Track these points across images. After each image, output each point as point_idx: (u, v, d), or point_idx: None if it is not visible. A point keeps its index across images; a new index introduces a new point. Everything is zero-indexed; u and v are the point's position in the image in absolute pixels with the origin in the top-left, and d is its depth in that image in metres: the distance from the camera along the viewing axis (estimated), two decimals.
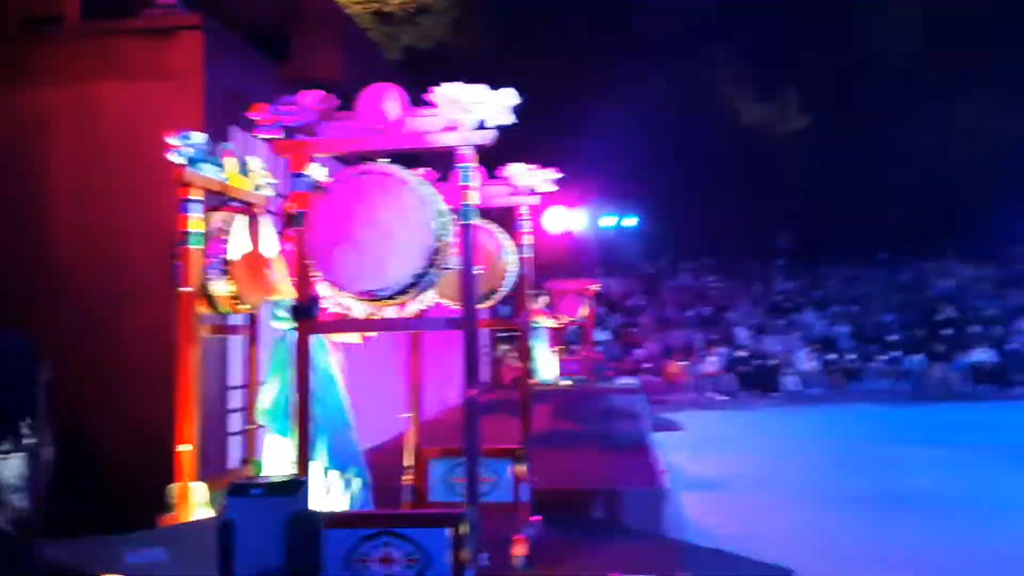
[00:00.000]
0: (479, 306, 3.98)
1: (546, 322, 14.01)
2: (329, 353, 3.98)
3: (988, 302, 19.26)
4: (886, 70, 20.16)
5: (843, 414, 14.72)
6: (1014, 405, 14.86)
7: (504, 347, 14.62)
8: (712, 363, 17.18)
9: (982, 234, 21.51)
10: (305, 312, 3.26)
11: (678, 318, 19.97)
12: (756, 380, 16.91)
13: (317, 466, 3.72)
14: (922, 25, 19.55)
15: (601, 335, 18.34)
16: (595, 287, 14.94)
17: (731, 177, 22.62)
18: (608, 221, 24.25)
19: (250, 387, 4.03)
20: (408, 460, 4.67)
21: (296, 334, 3.33)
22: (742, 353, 17.68)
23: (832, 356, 17.48)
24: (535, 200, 4.80)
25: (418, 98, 3.26)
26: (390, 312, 3.50)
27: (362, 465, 3.95)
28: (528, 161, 4.78)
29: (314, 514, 3.00)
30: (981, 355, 16.59)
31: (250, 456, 3.94)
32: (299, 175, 3.28)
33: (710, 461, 10.61)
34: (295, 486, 2.99)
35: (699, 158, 21.89)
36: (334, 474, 3.82)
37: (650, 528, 5.88)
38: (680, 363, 17.19)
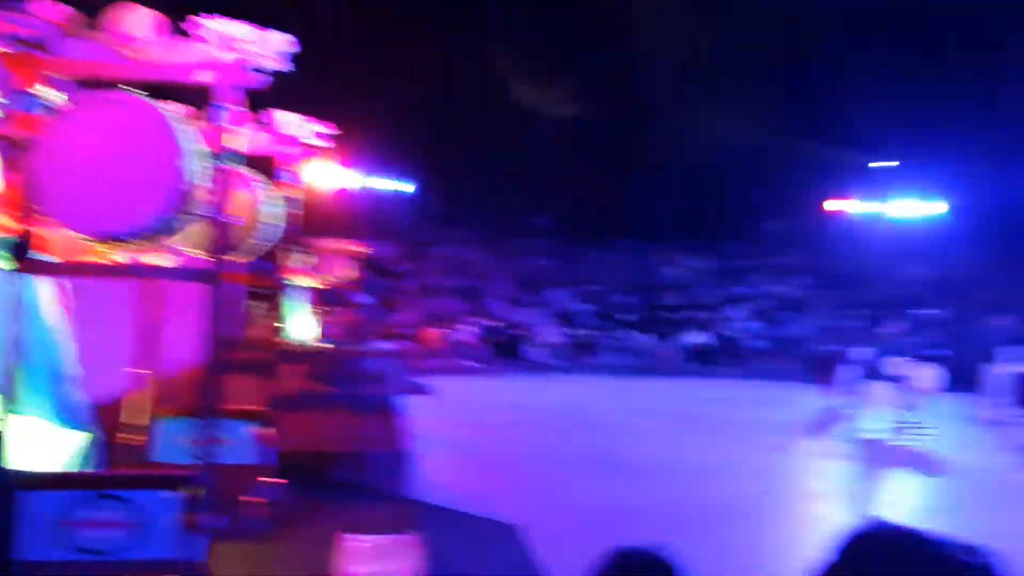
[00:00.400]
0: (231, 258, 3.79)
1: (308, 281, 13.61)
2: (52, 298, 3.58)
3: (707, 291, 21.82)
4: (649, 76, 21.86)
5: (580, 385, 15.96)
6: (720, 382, 17.02)
7: (259, 304, 14.00)
8: (467, 332, 17.79)
9: (707, 230, 24.23)
10: (24, 249, 2.90)
11: (440, 286, 20.39)
12: (506, 350, 17.80)
13: (32, 421, 3.35)
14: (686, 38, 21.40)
15: (364, 298, 18.21)
16: (363, 250, 14.76)
17: (503, 155, 23.39)
18: (384, 185, 24.03)
19: None
20: (138, 418, 4.37)
21: (15, 274, 2.96)
22: (495, 324, 18.49)
23: (574, 331, 18.86)
24: (303, 152, 4.64)
25: (179, 26, 2.99)
26: (128, 257, 3.24)
27: (86, 421, 3.62)
28: (305, 114, 4.60)
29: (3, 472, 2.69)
30: (697, 337, 18.79)
31: None
32: (27, 94, 2.89)
33: (457, 425, 11.04)
34: None
35: (476, 134, 22.37)
36: (54, 430, 3.46)
37: (392, 489, 6.01)
38: (438, 330, 17.61)
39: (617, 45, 21.73)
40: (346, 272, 13.59)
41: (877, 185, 24.14)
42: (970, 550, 0.85)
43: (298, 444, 5.58)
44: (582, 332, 18.93)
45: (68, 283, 3.57)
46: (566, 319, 19.42)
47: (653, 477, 8.55)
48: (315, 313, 13.46)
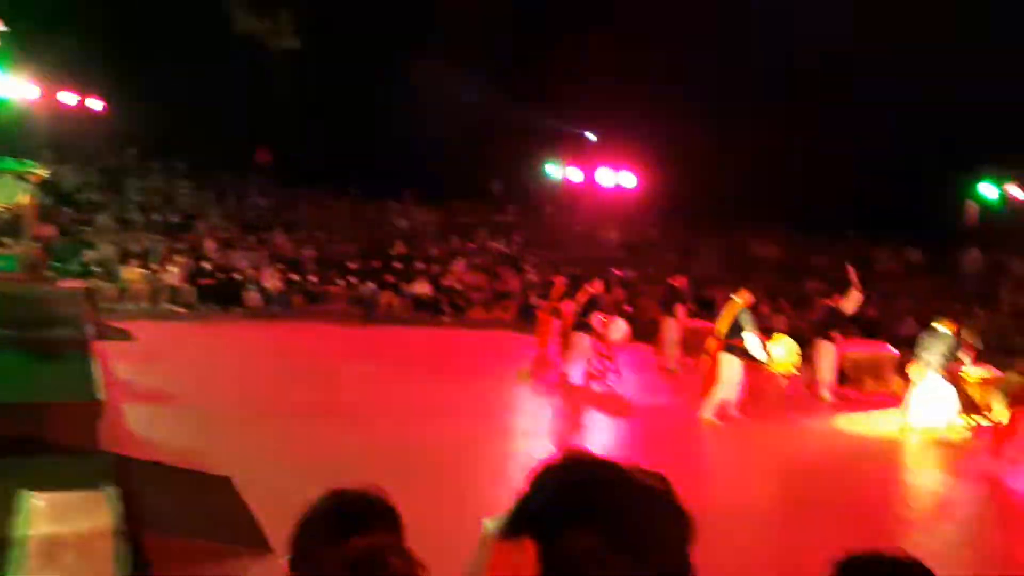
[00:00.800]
0: None
1: None
2: None
3: (433, 243, 22.23)
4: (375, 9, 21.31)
5: (301, 332, 15.49)
6: (443, 332, 17.52)
7: None
8: (173, 273, 16.33)
9: (432, 183, 24.63)
10: None
11: (141, 221, 18.42)
12: (219, 294, 16.66)
13: None
14: None
15: (45, 229, 15.89)
16: (41, 172, 12.81)
17: (220, 84, 21.60)
18: (67, 100, 20.98)
19: None
20: None
21: None
22: (206, 265, 17.20)
23: (296, 277, 18.18)
24: None
25: None
26: None
27: None
28: None
29: None
30: (422, 288, 19.11)
31: None
32: None
33: (161, 374, 10.16)
34: None
35: (186, 50, 20.34)
36: None
37: (84, 443, 5.37)
38: (139, 270, 15.94)
39: None
40: (18, 197, 11.73)
41: (587, 155, 26.20)
42: (655, 476, 0.93)
43: None
44: (305, 279, 18.31)
45: None
46: (288, 264, 18.63)
47: (371, 421, 8.60)
48: None
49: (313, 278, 18.35)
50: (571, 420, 10.19)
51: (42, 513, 3.63)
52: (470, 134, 23.42)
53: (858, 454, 9.46)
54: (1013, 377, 9.09)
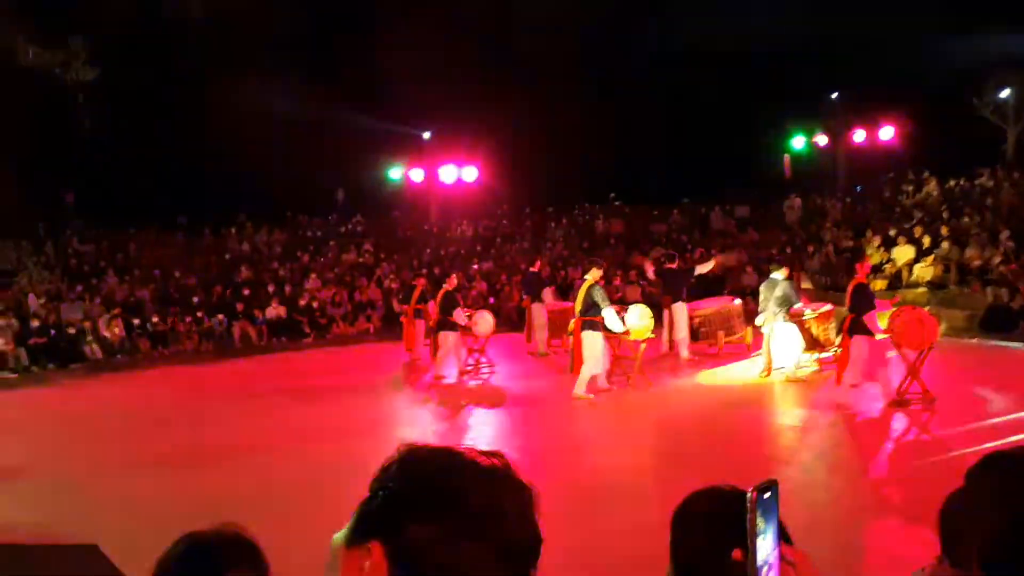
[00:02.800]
0: None
1: None
2: None
3: (279, 263, 21.45)
4: (181, 29, 20.26)
5: (150, 378, 14.53)
6: (306, 354, 16.93)
7: None
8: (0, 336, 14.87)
9: (272, 203, 23.80)
10: None
11: None
12: (53, 352, 15.33)
13: None
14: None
15: None
16: None
17: (11, 127, 19.80)
18: None
19: None
20: None
21: None
22: (34, 323, 15.78)
23: (136, 321, 17.00)
24: None
25: None
26: None
27: None
28: None
29: None
30: (275, 311, 18.39)
31: None
32: None
33: (1, 448, 9.23)
34: None
35: None
36: None
37: None
38: None
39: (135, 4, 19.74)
40: None
41: (428, 154, 26.16)
42: (493, 454, 0.96)
43: None
44: (147, 321, 17.13)
45: None
46: (124, 309, 17.39)
47: (240, 460, 8.21)
48: None
49: (155, 319, 17.24)
50: (451, 420, 10.18)
51: None
52: (304, 146, 22.78)
53: (724, 404, 10.06)
54: (843, 311, 9.93)
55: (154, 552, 1.64)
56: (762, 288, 11.35)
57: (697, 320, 13.19)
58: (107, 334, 16.21)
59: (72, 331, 15.85)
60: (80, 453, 8.88)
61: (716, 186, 24.12)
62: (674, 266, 13.50)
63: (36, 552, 5.15)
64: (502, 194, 26.17)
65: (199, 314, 17.73)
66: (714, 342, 13.23)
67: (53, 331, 15.78)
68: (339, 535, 0.93)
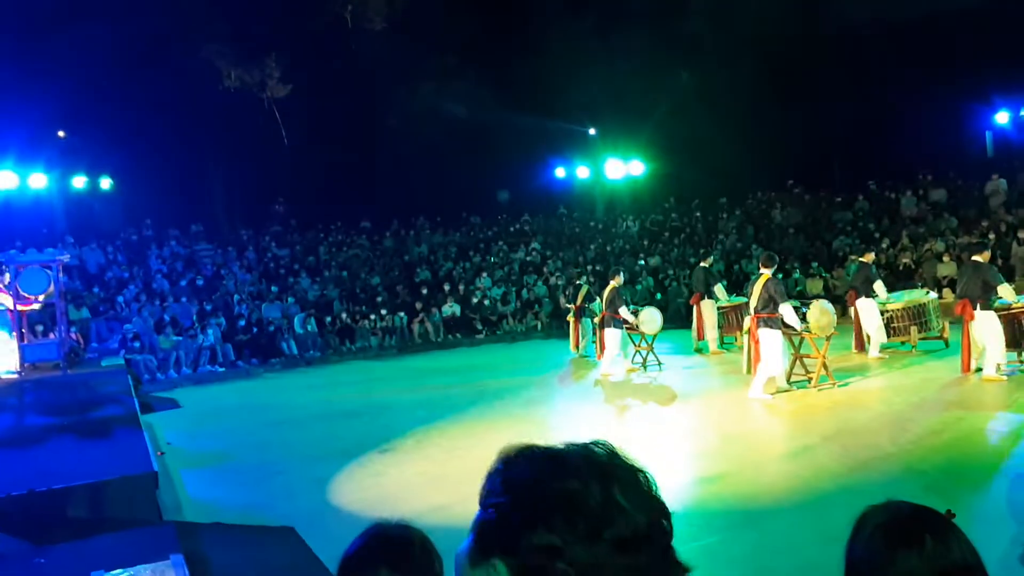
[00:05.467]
0: None
1: (4, 302, 11.87)
2: None
3: (453, 263, 22.28)
4: (362, 42, 21.43)
5: (340, 372, 15.59)
6: (476, 348, 17.55)
7: None
8: (209, 334, 16.53)
9: (446, 205, 24.77)
10: None
11: (168, 289, 18.70)
12: (255, 347, 16.84)
13: None
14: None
15: (78, 313, 16.20)
16: (64, 258, 13.11)
17: (216, 140, 21.91)
18: (78, 182, 21.41)
19: None
20: None
21: None
22: (239, 321, 17.41)
23: (327, 319, 18.30)
24: None
25: None
26: None
27: None
28: None
29: None
30: (450, 309, 19.15)
31: None
32: None
33: (212, 435, 10.27)
34: None
35: (182, 119, 20.66)
36: None
37: (143, 515, 5.44)
38: (175, 337, 16.16)
39: (321, 23, 21.11)
40: (47, 287, 12.00)
41: (594, 150, 26.12)
42: (595, 443, 0.93)
43: (16, 487, 4.83)
44: (336, 319, 18.43)
45: None
46: (315, 308, 18.79)
47: (410, 454, 8.59)
48: (20, 335, 11.81)
49: (343, 317, 18.47)
50: (617, 418, 10.11)
51: None
52: (474, 149, 23.43)
53: (916, 406, 9.27)
54: None
55: (343, 538, 1.73)
56: (961, 273, 10.34)
57: (887, 315, 12.27)
58: (301, 331, 17.56)
59: (271, 328, 17.32)
60: (279, 441, 9.66)
61: (907, 169, 22.27)
62: (863, 259, 12.65)
63: (241, 531, 5.68)
64: (670, 187, 25.63)
65: (382, 312, 18.79)
66: (907, 338, 12.25)
67: (255, 329, 17.31)
68: (462, 550, 0.93)
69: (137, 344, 15.61)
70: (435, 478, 7.27)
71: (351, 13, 21.31)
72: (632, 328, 12.62)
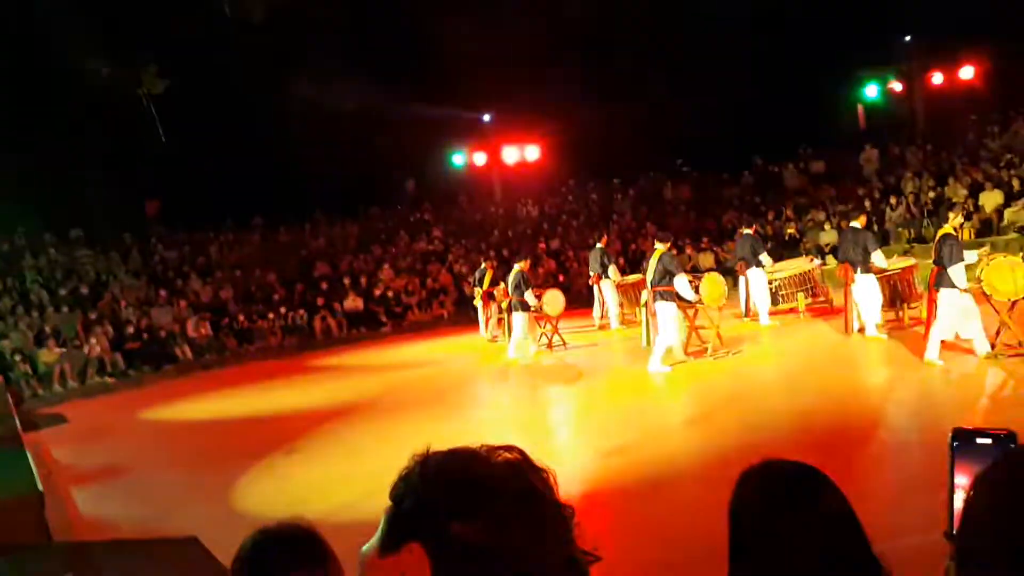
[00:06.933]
0: None
1: None
2: None
3: (354, 255, 21.88)
4: (245, 32, 20.67)
5: (239, 375, 15.07)
6: (384, 343, 17.28)
7: None
8: (95, 345, 15.67)
9: (343, 197, 24.24)
10: None
11: (48, 300, 17.58)
12: (147, 355, 16.07)
13: None
14: None
15: None
16: None
17: (94, 143, 20.71)
18: None
19: None
20: None
21: None
22: (128, 329, 16.57)
23: (222, 321, 17.65)
24: None
25: None
26: None
27: None
28: None
29: None
30: (352, 303, 18.81)
31: None
32: None
33: (103, 449, 9.77)
34: None
35: (50, 118, 19.44)
36: None
37: (34, 537, 5.12)
38: (58, 349, 15.23)
39: (199, 15, 20.24)
40: None
41: (489, 136, 26.14)
42: (508, 448, 0.98)
43: None
44: (232, 321, 17.78)
45: None
46: (212, 308, 18.09)
47: (325, 449, 8.45)
48: None
49: (239, 318, 17.86)
50: (528, 399, 10.23)
51: None
52: (368, 139, 23.06)
53: (807, 368, 9.77)
54: (928, 263, 9.48)
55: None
56: (841, 240, 10.93)
57: (776, 283, 12.85)
58: (195, 335, 16.89)
59: (163, 334, 16.57)
60: (174, 452, 9.29)
61: (788, 144, 23.33)
62: (750, 231, 13.18)
63: (140, 546, 5.43)
64: (566, 171, 25.98)
65: (281, 310, 18.27)
66: (795, 304, 12.87)
67: (145, 335, 16.53)
68: (367, 547, 0.95)
69: (17, 359, 14.65)
70: (342, 477, 7.16)
71: (230, 4, 20.53)
72: (537, 311, 12.76)
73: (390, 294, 19.39)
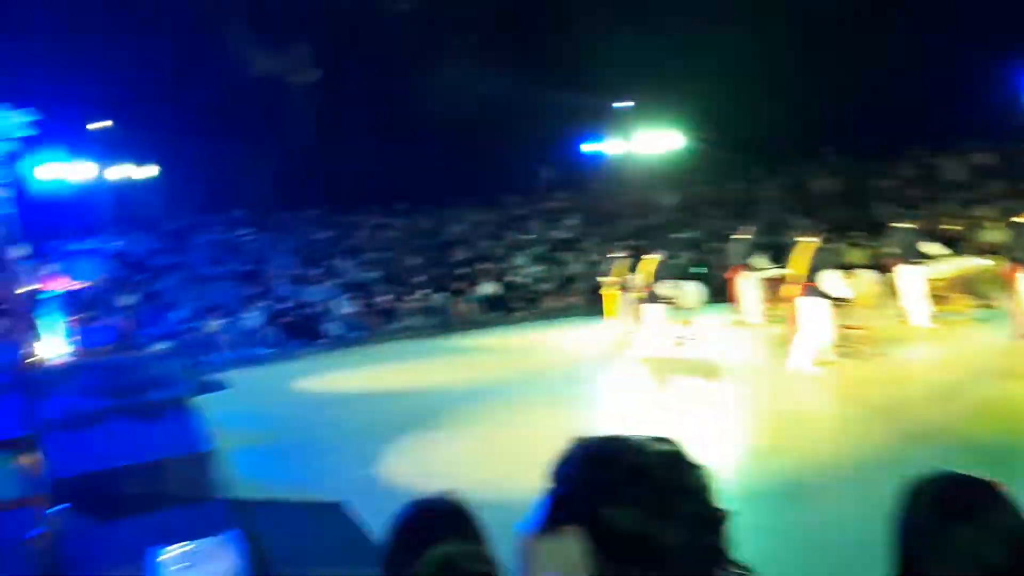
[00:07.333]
0: None
1: (56, 289, 12.19)
2: None
3: (491, 242, 22.34)
4: (388, 24, 21.46)
5: (382, 353, 15.76)
6: (514, 327, 17.58)
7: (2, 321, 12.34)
8: (254, 317, 16.87)
9: (481, 184, 24.74)
10: None
11: (213, 274, 19.08)
12: (299, 329, 17.13)
13: None
14: None
15: (127, 299, 16.62)
16: (112, 246, 13.42)
17: (254, 129, 22.18)
18: (121, 172, 21.87)
19: None
20: None
21: None
22: (283, 304, 17.70)
23: (368, 300, 18.53)
24: (9, 146, 4.04)
25: None
26: None
27: None
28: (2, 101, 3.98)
29: None
30: (488, 288, 19.24)
31: None
32: None
33: (259, 415, 10.50)
34: None
35: (221, 108, 20.96)
36: None
37: (200, 492, 5.60)
38: (220, 321, 16.52)
39: (348, 5, 21.14)
40: (97, 273, 12.32)
41: (629, 124, 25.84)
42: (661, 440, 1.00)
43: (80, 466, 5.01)
44: (376, 300, 18.65)
45: None
46: (357, 289, 19.03)
47: (469, 427, 8.68)
48: (73, 321, 12.15)
49: (384, 298, 18.67)
50: (659, 395, 10.09)
51: (174, 564, 3.81)
52: (507, 126, 23.34)
53: (972, 376, 9.09)
54: None
55: (391, 511, 1.77)
56: (1012, 238, 10.07)
57: (939, 283, 12.00)
58: (343, 313, 17.81)
59: (314, 311, 17.60)
60: (326, 421, 9.84)
61: (949, 132, 21.63)
62: (909, 225, 12.38)
63: (292, 507, 5.83)
64: (706, 159, 25.28)
65: (423, 292, 18.95)
66: (957, 307, 11.98)
67: (298, 311, 17.60)
68: (526, 525, 0.98)
69: (185, 328, 15.99)
70: (481, 454, 7.37)
71: None
72: (673, 303, 12.55)
73: (524, 281, 19.65)
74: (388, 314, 18.34)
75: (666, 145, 25.34)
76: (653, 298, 12.18)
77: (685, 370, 11.07)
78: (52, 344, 11.39)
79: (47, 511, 4.01)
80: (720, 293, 16.28)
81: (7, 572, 3.36)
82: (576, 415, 8.40)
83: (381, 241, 22.36)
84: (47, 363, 7.87)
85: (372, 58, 21.49)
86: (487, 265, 20.42)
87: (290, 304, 17.77)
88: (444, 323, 18.38)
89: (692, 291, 12.90)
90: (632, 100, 25.58)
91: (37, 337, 8.96)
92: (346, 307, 17.96)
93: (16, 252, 4.05)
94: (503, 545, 1.63)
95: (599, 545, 0.92)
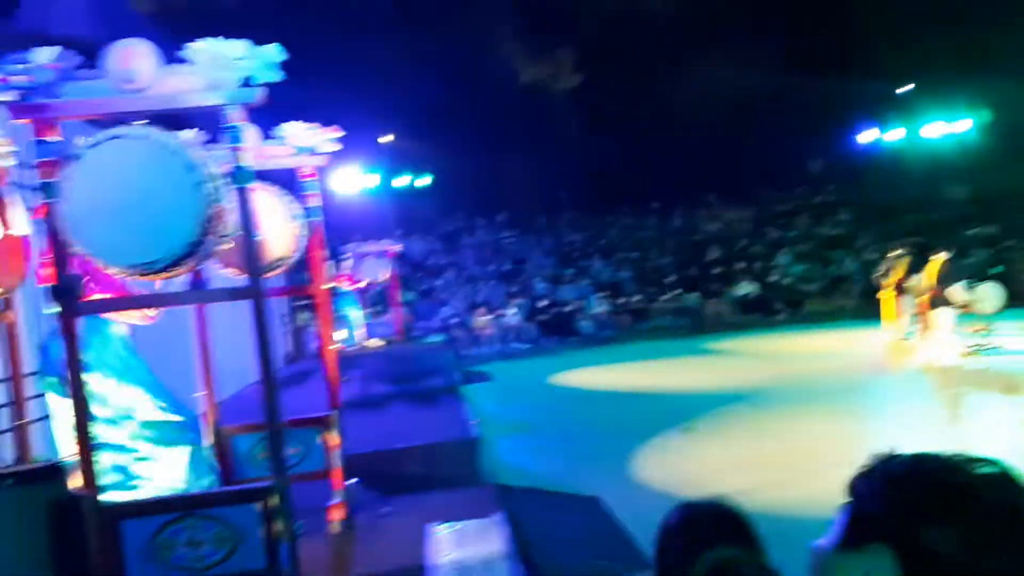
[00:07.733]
0: (268, 274, 3.84)
1: (349, 285, 13.75)
2: (115, 333, 3.69)
3: (749, 240, 21.44)
4: (644, 27, 21.39)
5: (634, 352, 15.80)
6: (775, 330, 16.71)
7: (305, 315, 14.18)
8: (514, 314, 17.77)
9: (738, 180, 23.81)
10: (67, 293, 2.91)
11: (479, 273, 20.39)
12: (555, 327, 17.73)
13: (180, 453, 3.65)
14: None
15: (407, 295, 18.32)
16: (395, 247, 14.82)
17: (517, 138, 23.30)
18: (402, 181, 24.13)
19: (15, 380, 3.56)
20: (208, 439, 4.41)
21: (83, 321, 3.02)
22: (540, 303, 18.42)
23: (619, 299, 18.70)
24: (318, 160, 4.62)
25: (173, 54, 2.95)
26: (168, 284, 3.33)
27: (191, 437, 3.78)
28: (310, 120, 4.58)
29: (76, 500, 2.77)
30: (746, 288, 18.48)
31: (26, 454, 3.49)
32: (44, 142, 2.88)
33: (519, 406, 11.04)
34: (50, 472, 2.75)
35: (486, 117, 22.30)
36: (162, 449, 3.62)
37: (466, 476, 6.01)
38: (485, 317, 17.61)
39: (607, 10, 21.35)
40: (382, 272, 13.68)
41: (905, 110, 23.43)
42: (983, 460, 0.91)
43: (367, 445, 5.62)
44: (628, 299, 18.78)
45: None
46: (609, 288, 19.28)
47: (711, 437, 8.42)
48: (363, 314, 13.61)
49: (635, 298, 18.71)
50: (948, 410, 9.03)
51: (448, 541, 4.14)
52: (762, 118, 22.23)
53: None
54: None
55: (646, 511, 1.77)
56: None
57: None
58: (596, 311, 18.14)
59: (568, 309, 18.12)
60: (580, 416, 10.07)
61: None
62: None
63: (549, 496, 6.06)
64: (1007, 143, 22.09)
65: (674, 291, 18.72)
66: None
67: (554, 309, 18.23)
68: (823, 542, 0.94)
69: (454, 322, 17.25)
70: (738, 462, 7.10)
71: None
72: (966, 307, 11.16)
73: (786, 281, 18.61)
74: (639, 314, 18.34)
75: (954, 130, 22.59)
76: (941, 301, 10.92)
77: (980, 383, 9.79)
78: (346, 334, 12.88)
79: (343, 483, 4.54)
80: (1022, 296, 14.21)
81: (310, 531, 3.89)
82: (841, 428, 7.79)
83: (633, 241, 22.42)
84: (342, 350, 8.91)
85: (630, 58, 21.61)
86: (744, 264, 19.63)
87: (547, 302, 18.45)
88: (696, 324, 17.97)
89: (989, 294, 11.39)
90: (915, 82, 23.12)
91: (340, 326, 10.19)
92: (598, 306, 18.26)
93: (322, 254, 4.66)
94: (776, 555, 1.58)
95: (910, 567, 0.87)
